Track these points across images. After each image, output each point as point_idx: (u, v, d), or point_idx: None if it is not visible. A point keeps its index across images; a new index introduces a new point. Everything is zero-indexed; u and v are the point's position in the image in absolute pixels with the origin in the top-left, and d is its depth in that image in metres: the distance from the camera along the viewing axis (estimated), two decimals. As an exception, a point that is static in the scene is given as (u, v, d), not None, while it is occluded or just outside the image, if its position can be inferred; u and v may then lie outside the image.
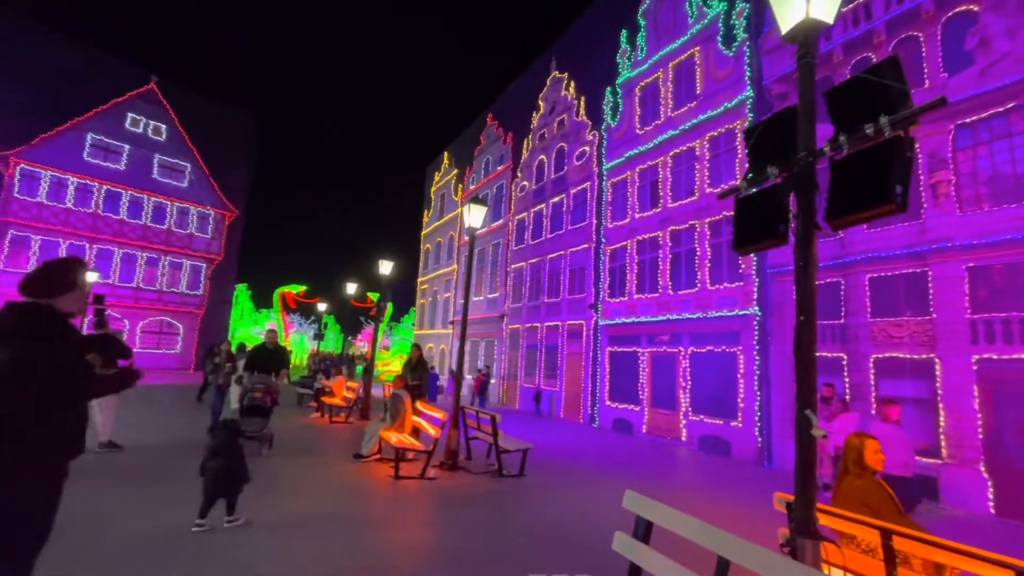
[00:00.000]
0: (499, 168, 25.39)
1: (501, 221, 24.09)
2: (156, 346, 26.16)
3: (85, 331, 14.25)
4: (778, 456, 10.90)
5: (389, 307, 34.34)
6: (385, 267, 13.58)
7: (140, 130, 26.74)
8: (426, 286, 33.01)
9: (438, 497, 5.93)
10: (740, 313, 12.17)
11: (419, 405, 7.99)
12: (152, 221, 26.79)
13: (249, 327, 40.31)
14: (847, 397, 9.59)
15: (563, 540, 4.64)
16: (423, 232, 34.43)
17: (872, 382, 9.68)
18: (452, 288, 28.64)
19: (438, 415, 7.51)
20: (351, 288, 19.54)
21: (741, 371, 12.03)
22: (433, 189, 33.85)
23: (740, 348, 12.18)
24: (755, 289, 11.97)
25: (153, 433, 8.29)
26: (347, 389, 13.18)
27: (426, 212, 34.73)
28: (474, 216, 8.39)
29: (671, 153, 14.92)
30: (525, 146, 23.08)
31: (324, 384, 13.59)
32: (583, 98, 19.68)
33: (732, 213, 2.95)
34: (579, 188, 19.00)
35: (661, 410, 14.08)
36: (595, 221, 17.74)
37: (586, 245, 18.05)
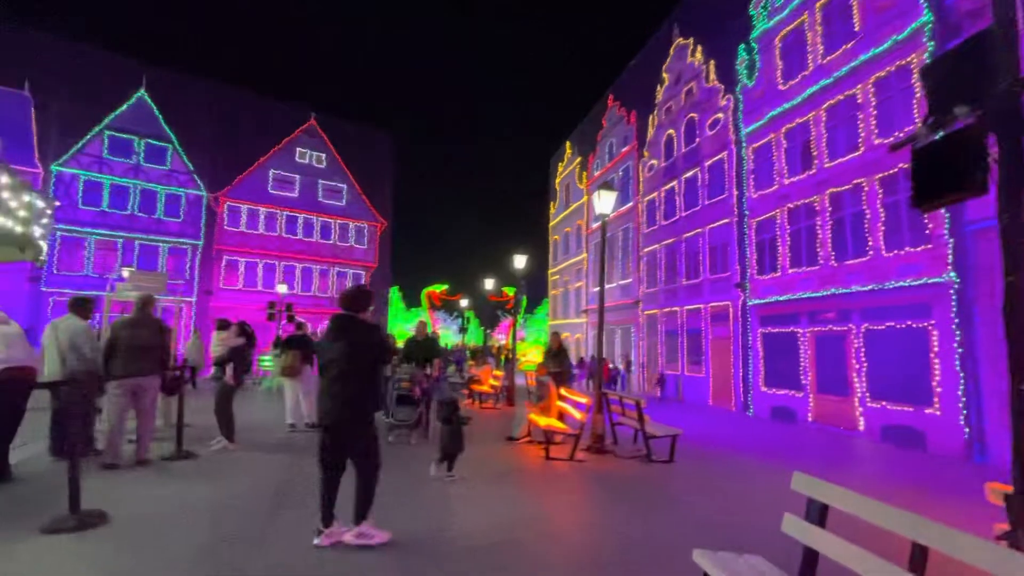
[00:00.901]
0: (624, 150, 24.66)
1: (630, 204, 23.42)
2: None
3: (283, 334, 17.29)
4: (996, 448, 9.01)
5: (523, 300, 35.61)
6: (519, 261, 14.15)
7: (306, 161, 31.37)
8: (556, 277, 33.48)
9: (589, 478, 6.10)
10: (930, 282, 10.27)
11: (563, 391, 8.25)
12: (320, 238, 31.33)
13: (403, 324, 44.91)
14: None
15: (723, 525, 4.48)
16: (551, 224, 34.93)
17: None
18: (583, 277, 28.65)
19: (583, 400, 7.68)
20: (488, 284, 20.74)
21: (935, 349, 10.17)
22: (557, 180, 34.11)
23: (932, 322, 10.29)
24: (949, 252, 9.99)
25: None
26: (493, 378, 14.11)
27: (552, 204, 35.15)
28: (604, 202, 8.35)
29: (825, 105, 13.09)
30: (651, 123, 22.08)
31: (472, 374, 14.67)
32: (712, 62, 18.18)
33: (909, 165, 2.55)
34: (714, 160, 17.64)
35: (830, 396, 12.52)
36: (736, 193, 16.33)
37: (727, 220, 16.71)
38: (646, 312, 21.55)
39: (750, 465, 7.54)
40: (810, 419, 12.93)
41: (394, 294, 42.97)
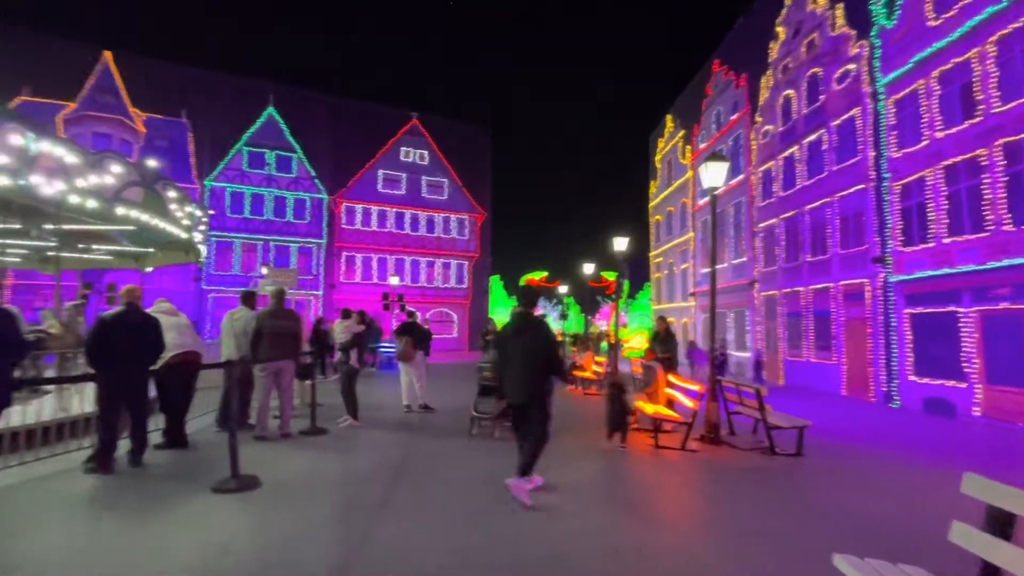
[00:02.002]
0: (733, 118, 22.67)
1: (741, 177, 21.52)
2: (440, 332, 32.31)
3: (396, 322, 18.58)
4: None
5: (625, 284, 34.53)
6: (619, 244, 13.69)
7: (410, 159, 33.16)
8: (660, 259, 31.98)
9: (704, 469, 5.73)
10: None
11: (672, 377, 7.84)
12: (426, 231, 33.06)
13: (504, 312, 46.09)
14: None
15: (868, 529, 3.93)
16: (651, 204, 33.37)
17: None
18: (689, 258, 27.04)
19: (695, 387, 7.23)
20: (588, 269, 20.38)
21: None
22: (658, 157, 32.41)
23: None
24: None
25: (452, 399, 10.20)
26: (595, 364, 13.88)
27: (652, 183, 33.51)
28: (713, 174, 7.71)
29: (992, 39, 10.83)
30: (763, 85, 19.99)
31: (574, 360, 14.57)
32: (840, 5, 15.90)
33: None
34: (844, 118, 15.50)
35: (1005, 388, 10.51)
36: (872, 154, 14.23)
37: (861, 186, 14.65)
38: (763, 293, 19.76)
39: (899, 463, 6.57)
40: (977, 413, 10.97)
41: (495, 283, 44.15)
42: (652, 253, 33.26)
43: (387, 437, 6.79)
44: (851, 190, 15.04)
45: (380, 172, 32.33)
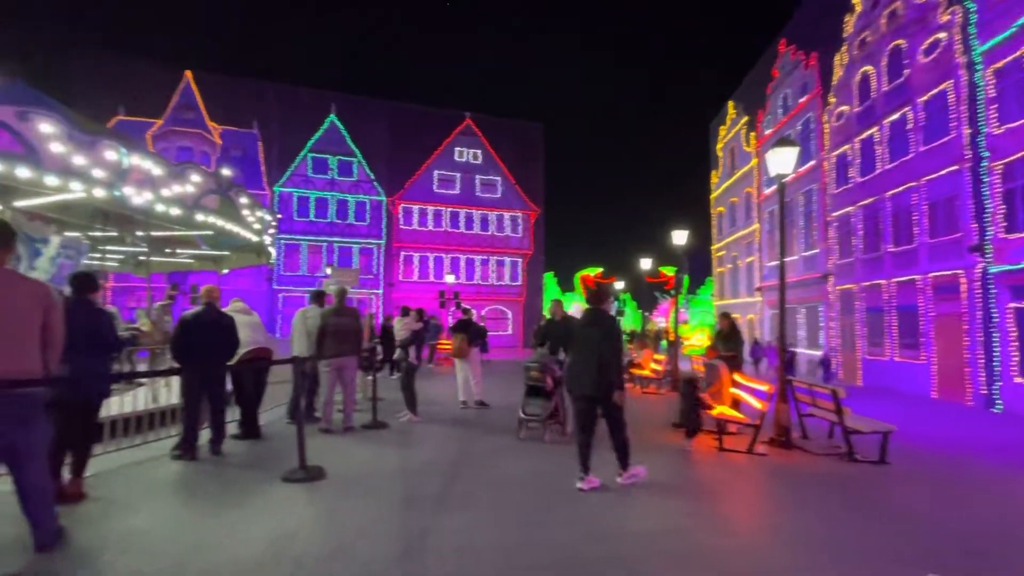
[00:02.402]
0: (802, 100, 21.23)
1: (812, 163, 20.12)
2: (495, 329, 32.58)
3: (452, 319, 18.93)
4: None
5: (685, 279, 33.33)
6: (679, 237, 13.18)
7: (464, 159, 33.63)
8: (722, 252, 30.57)
9: (773, 473, 5.38)
10: None
11: (738, 377, 7.44)
12: (480, 230, 33.43)
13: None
14: None
15: (970, 549, 3.50)
16: (713, 195, 31.94)
17: None
18: (754, 251, 25.65)
19: (763, 388, 6.82)
20: (645, 264, 19.81)
21: None
22: (719, 146, 30.95)
23: None
24: None
25: (506, 395, 10.20)
26: (654, 362, 13.47)
27: (714, 173, 32.05)
28: (781, 160, 7.22)
29: (1119, -10, 9.43)
30: (837, 63, 18.57)
31: (632, 357, 14.20)
32: (925, -31, 14.46)
33: None
34: (932, 93, 14.09)
35: None
36: (967, 131, 12.83)
37: (954, 167, 13.25)
38: (839, 287, 18.39)
39: (1000, 474, 5.88)
40: (1100, 421, 9.65)
41: (549, 279, 43.95)
42: (714, 246, 31.86)
43: (444, 432, 6.90)
44: (942, 172, 13.65)
45: (435, 173, 33.03)
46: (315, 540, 3.36)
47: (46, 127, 5.18)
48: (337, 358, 6.61)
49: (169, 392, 6.55)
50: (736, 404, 7.33)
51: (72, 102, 6.76)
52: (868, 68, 16.87)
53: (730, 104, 29.61)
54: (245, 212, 8.63)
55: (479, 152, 33.85)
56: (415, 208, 32.50)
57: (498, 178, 33.97)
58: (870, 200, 16.59)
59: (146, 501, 4.01)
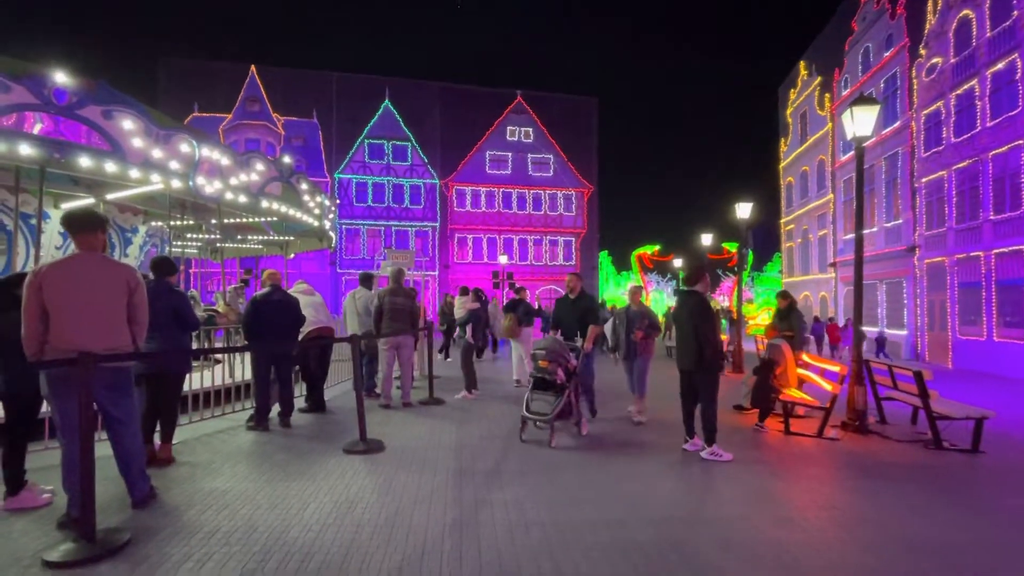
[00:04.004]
0: (887, 54, 19.22)
1: (898, 123, 18.28)
2: (550, 309, 32.52)
3: (506, 298, 19.07)
4: None
5: (749, 256, 31.60)
6: (743, 210, 12.45)
7: (516, 138, 33.34)
8: (792, 226, 28.66)
9: (847, 461, 5.03)
10: None
11: (806, 357, 6.99)
12: (532, 209, 33.21)
13: (615, 288, 44.93)
14: None
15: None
16: (781, 164, 29.86)
17: None
18: (828, 223, 23.85)
19: (834, 368, 6.39)
20: (705, 240, 18.91)
21: None
22: (788, 112, 28.76)
23: None
24: None
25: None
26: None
27: (783, 141, 29.90)
28: (861, 121, 6.56)
29: None
30: (929, 9, 16.60)
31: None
32: None
33: None
34: (1046, 36, 12.30)
35: None
36: (1089, 78, 11.12)
37: (1071, 120, 11.57)
38: (927, 260, 16.77)
39: None
40: None
41: (604, 258, 43.12)
42: (783, 220, 29.93)
43: (498, 409, 6.99)
44: (1057, 127, 11.96)
45: (487, 153, 33.02)
46: (374, 507, 3.52)
47: (128, 123, 5.61)
48: (394, 336, 6.83)
49: (243, 368, 7.04)
50: (800, 385, 6.89)
51: (156, 102, 7.26)
52: (967, 12, 14.95)
53: (801, 65, 27.33)
54: (306, 198, 9.02)
55: (531, 130, 33.43)
56: (468, 190, 32.74)
57: (550, 156, 33.46)
58: (967, 163, 14.87)
59: (224, 466, 4.36)
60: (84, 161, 5.36)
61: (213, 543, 2.95)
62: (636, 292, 6.70)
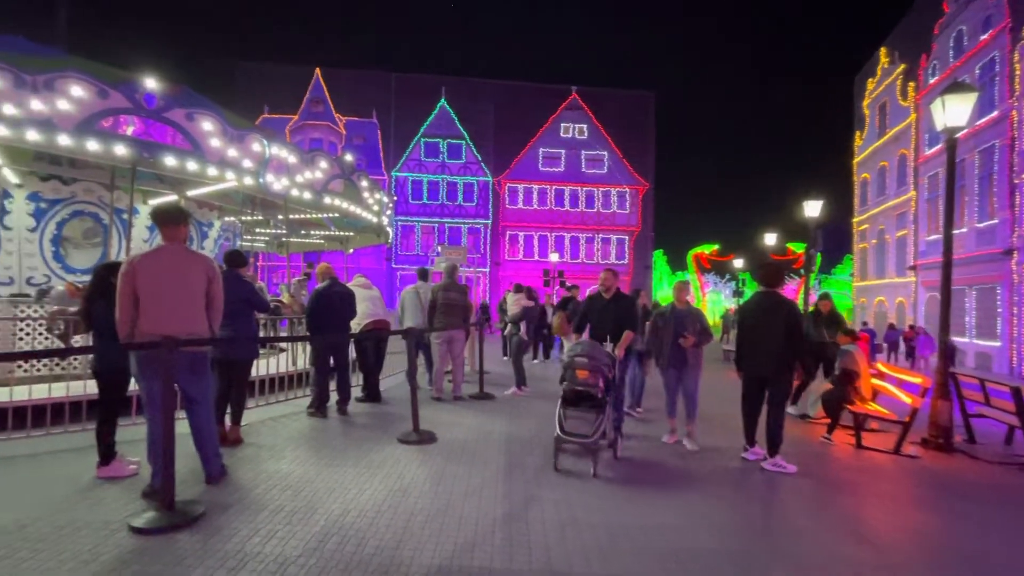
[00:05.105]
0: (984, 37, 17.45)
1: (995, 114, 16.56)
2: (601, 308, 32.05)
3: (557, 297, 18.97)
4: None
5: (817, 257, 29.77)
6: (811, 209, 11.72)
7: (570, 135, 33.03)
8: (866, 226, 26.69)
9: (928, 481, 4.61)
10: None
11: (882, 366, 6.48)
12: (585, 207, 32.80)
13: (669, 289, 43.61)
14: None
15: None
16: (856, 160, 27.85)
17: None
18: (908, 223, 22.01)
19: (915, 380, 5.89)
20: (769, 239, 17.96)
21: None
22: (866, 103, 26.74)
23: None
24: None
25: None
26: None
27: (858, 134, 27.85)
28: (954, 111, 5.98)
29: None
30: (1035, -15, 14.89)
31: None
32: None
33: None
34: None
35: None
36: None
37: None
38: (1024, 265, 15.13)
39: None
40: None
41: (658, 258, 41.95)
42: (856, 219, 27.94)
43: (548, 407, 6.92)
44: None
45: (540, 150, 32.92)
46: (426, 496, 3.59)
47: (207, 124, 6.01)
48: (446, 331, 6.94)
49: (305, 357, 7.39)
50: (874, 396, 6.40)
51: (231, 104, 7.75)
52: (1084, -14, 13.29)
53: (882, 52, 25.31)
54: (365, 195, 9.33)
55: (585, 127, 33.00)
56: (520, 187, 32.79)
57: (604, 153, 32.90)
58: (1078, 155, 13.24)
59: (287, 449, 4.59)
60: (169, 160, 5.79)
61: (277, 521, 3.11)
62: (683, 288, 5.68)
